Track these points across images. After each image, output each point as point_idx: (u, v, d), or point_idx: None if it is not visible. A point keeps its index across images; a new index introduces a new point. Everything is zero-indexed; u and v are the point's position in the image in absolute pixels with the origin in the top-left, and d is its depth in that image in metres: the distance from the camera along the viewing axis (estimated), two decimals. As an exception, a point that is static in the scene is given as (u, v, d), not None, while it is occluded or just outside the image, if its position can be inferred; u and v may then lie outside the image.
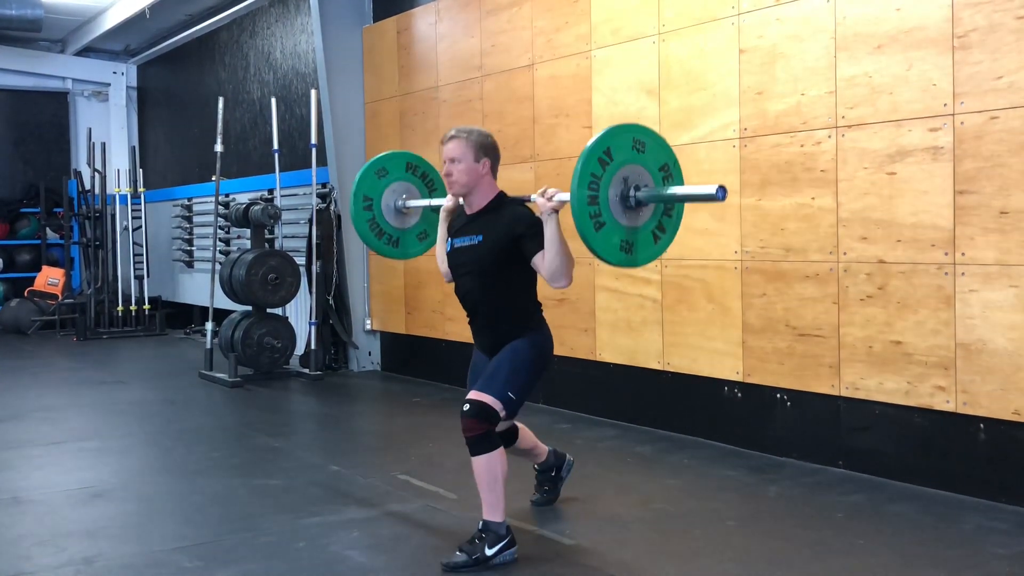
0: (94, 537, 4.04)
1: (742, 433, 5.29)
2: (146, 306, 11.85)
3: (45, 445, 5.79)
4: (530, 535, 3.92)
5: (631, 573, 3.56)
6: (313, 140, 8.24)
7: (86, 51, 13.45)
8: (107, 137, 13.12)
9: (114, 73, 13.94)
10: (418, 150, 7.53)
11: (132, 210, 11.98)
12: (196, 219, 11.94)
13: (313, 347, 8.14)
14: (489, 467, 3.60)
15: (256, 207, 8.27)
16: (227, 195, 10.39)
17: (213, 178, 9.25)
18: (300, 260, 8.56)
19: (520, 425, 4.13)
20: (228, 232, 10.69)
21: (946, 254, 4.32)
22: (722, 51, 5.26)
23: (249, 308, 8.16)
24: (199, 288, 11.37)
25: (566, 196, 3.46)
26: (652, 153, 3.53)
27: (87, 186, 11.97)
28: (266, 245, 8.64)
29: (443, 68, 7.39)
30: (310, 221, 8.35)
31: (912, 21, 4.42)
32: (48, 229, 13.03)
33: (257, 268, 7.99)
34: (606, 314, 6.05)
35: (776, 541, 3.85)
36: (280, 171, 8.66)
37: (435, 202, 4.37)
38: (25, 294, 12.14)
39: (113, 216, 11.89)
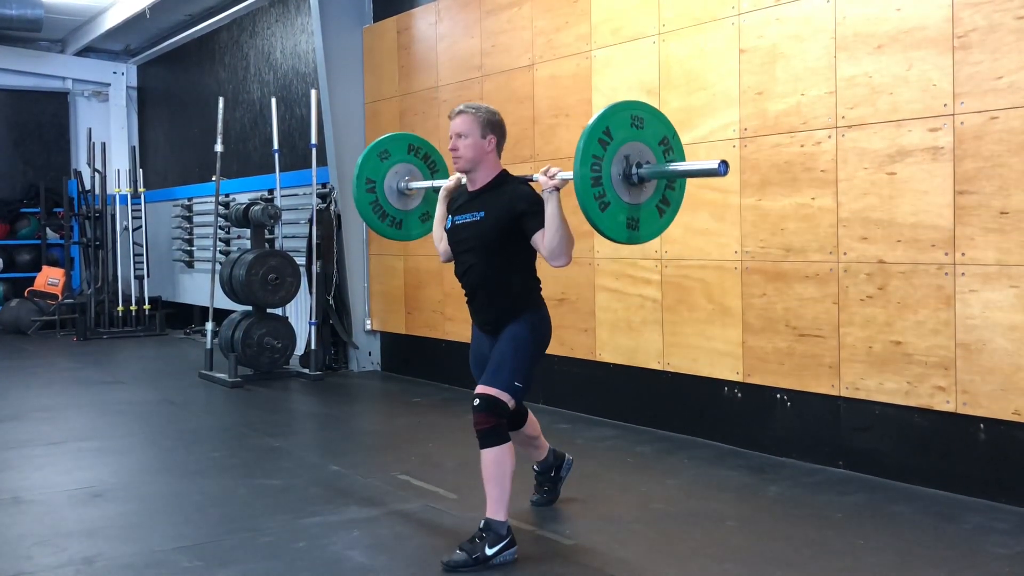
0: (94, 537, 4.04)
1: (742, 433, 5.29)
2: (146, 306, 11.85)
3: (45, 445, 5.79)
4: (530, 535, 3.92)
5: (631, 573, 3.56)
6: (313, 140, 8.24)
7: (86, 51, 13.45)
8: (107, 137, 13.13)
9: (114, 73, 13.95)
10: (418, 150, 7.58)
11: (132, 210, 11.98)
12: (196, 219, 11.94)
13: (313, 347, 8.14)
14: (498, 460, 3.61)
15: (256, 207, 8.27)
16: (227, 195, 10.40)
17: (213, 178, 9.25)
18: (300, 260, 8.56)
19: (528, 410, 4.17)
20: (228, 232, 10.69)
21: (946, 254, 4.32)
22: (722, 51, 5.26)
23: (249, 308, 8.16)
24: (199, 288, 11.37)
25: (568, 175, 3.48)
26: (651, 128, 3.54)
27: (87, 186, 11.97)
28: (266, 245, 8.64)
29: (443, 68, 7.39)
30: (310, 221, 8.35)
31: (912, 21, 4.42)
32: (48, 229, 13.03)
33: (257, 268, 7.99)
34: (606, 314, 6.05)
35: (776, 541, 3.85)
36: (280, 171, 8.66)
37: (437, 183, 4.39)
38: (25, 294, 12.14)
39: (113, 216, 11.89)
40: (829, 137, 4.77)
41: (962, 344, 4.29)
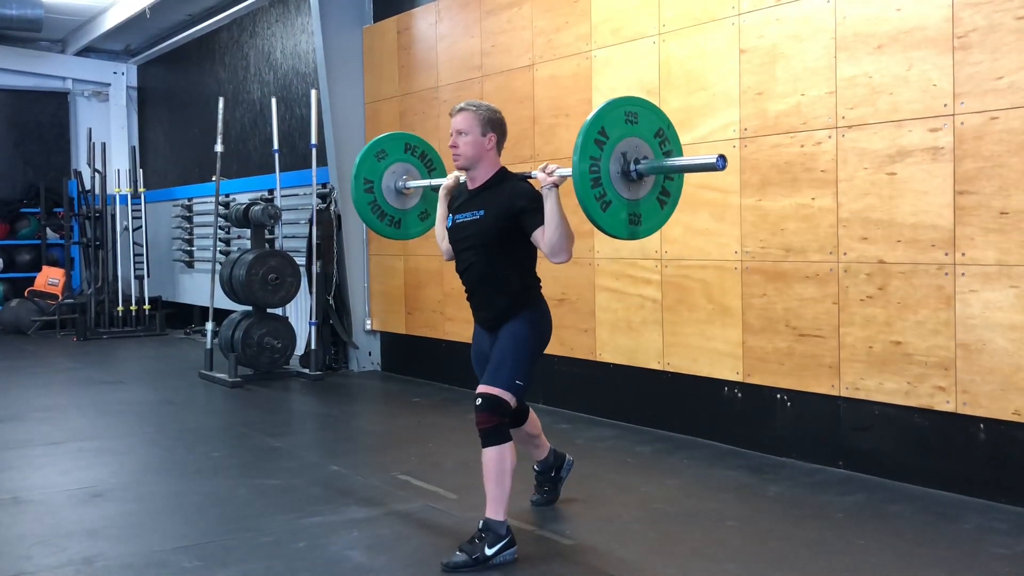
0: (94, 537, 4.04)
1: (742, 433, 5.29)
2: (146, 306, 11.85)
3: (45, 445, 5.79)
4: (530, 535, 3.92)
5: (631, 573, 3.56)
6: (313, 140, 8.24)
7: (86, 51, 13.45)
8: (107, 137, 13.13)
9: (114, 73, 13.95)
10: (418, 150, 7.58)
11: (132, 210, 11.98)
12: (196, 219, 11.94)
13: (313, 347, 8.14)
14: (499, 459, 3.62)
15: (256, 207, 8.27)
16: (227, 195, 10.40)
17: (213, 178, 9.25)
18: (300, 260, 8.56)
19: (530, 408, 4.18)
20: (228, 232, 10.69)
21: (946, 254, 4.32)
22: (722, 51, 5.26)
23: (249, 308, 8.16)
24: (199, 288, 11.37)
25: (567, 171, 3.49)
26: (645, 121, 3.55)
27: (87, 186, 11.97)
28: (266, 245, 8.64)
29: (443, 68, 7.39)
30: (310, 221, 8.35)
31: (912, 21, 4.42)
32: (48, 229, 13.03)
33: (257, 268, 7.99)
34: (606, 314, 6.05)
35: (776, 541, 3.85)
36: (280, 171, 8.66)
37: (435, 182, 4.39)
38: (25, 294, 12.14)
39: (113, 216, 11.89)
40: (829, 137, 4.77)
41: (962, 344, 4.29)
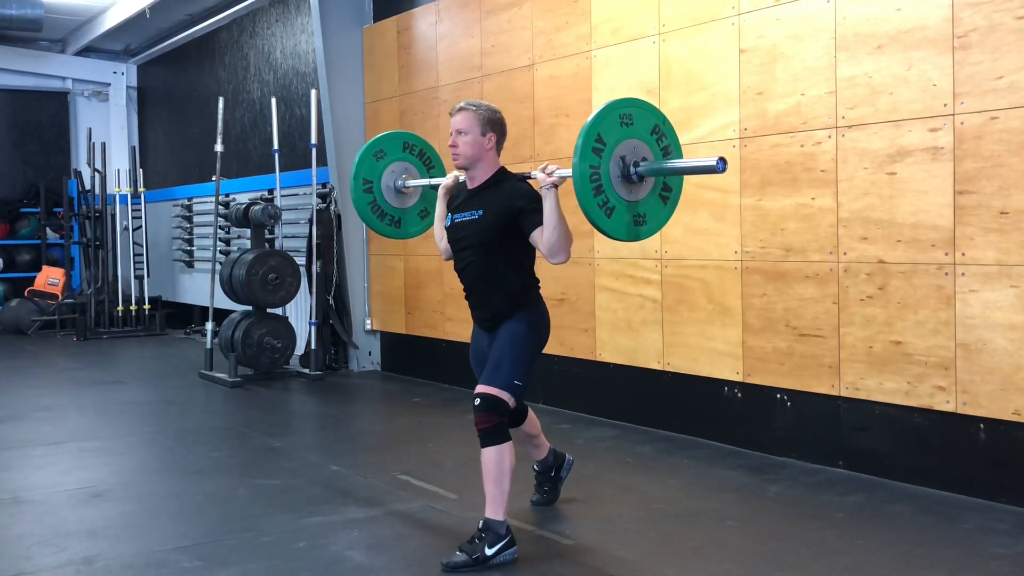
0: (94, 537, 4.04)
1: (742, 433, 5.29)
2: (146, 306, 11.85)
3: (45, 445, 5.79)
4: (530, 535, 3.92)
5: (631, 573, 3.56)
6: (313, 140, 8.24)
7: (86, 51, 13.45)
8: (107, 137, 13.13)
9: (114, 73, 13.95)
10: (418, 150, 7.57)
11: (132, 210, 11.98)
12: (196, 219, 11.94)
13: (313, 347, 8.14)
14: (499, 459, 3.62)
15: (256, 207, 8.27)
16: (227, 195, 10.40)
17: (213, 178, 9.25)
18: (300, 260, 8.57)
19: (528, 408, 4.18)
20: (228, 232, 10.69)
21: (946, 254, 4.32)
22: (722, 51, 5.26)
23: (249, 308, 8.16)
24: (199, 288, 11.37)
25: (566, 172, 3.50)
26: (641, 121, 3.55)
27: (87, 186, 11.98)
28: (266, 245, 8.64)
29: (443, 68, 7.39)
30: (310, 221, 8.35)
31: (912, 21, 4.42)
32: (48, 229, 13.03)
33: (257, 268, 7.99)
34: (606, 314, 6.05)
35: (776, 541, 3.85)
36: (280, 171, 8.66)
37: (434, 181, 4.39)
38: (25, 294, 12.14)
39: (113, 216, 11.89)
40: (829, 137, 4.77)
41: (962, 344, 4.29)
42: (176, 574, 3.60)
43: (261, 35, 10.53)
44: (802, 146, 4.90)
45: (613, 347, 6.02)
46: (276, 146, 8.62)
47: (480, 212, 3.77)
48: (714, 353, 5.38)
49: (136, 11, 10.99)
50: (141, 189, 12.00)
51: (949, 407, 4.35)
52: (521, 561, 3.62)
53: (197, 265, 11.89)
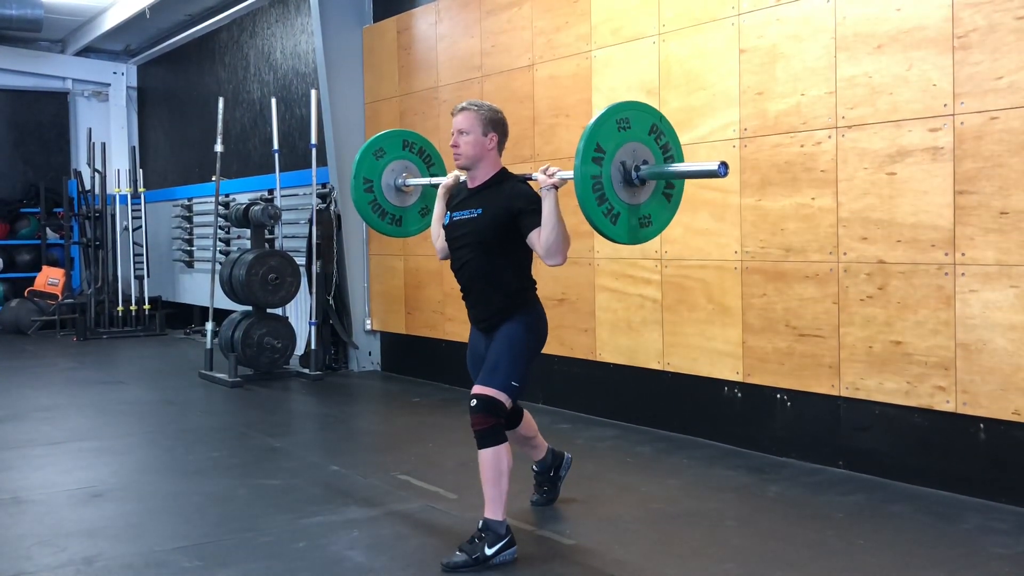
0: (94, 537, 4.04)
1: (742, 433, 5.29)
2: (146, 306, 11.85)
3: (45, 445, 5.79)
4: (530, 535, 3.92)
5: (631, 573, 3.56)
6: (313, 140, 8.24)
7: (86, 51, 13.45)
8: (107, 137, 13.13)
9: (114, 73, 13.95)
10: (418, 150, 7.57)
11: (132, 210, 11.98)
12: (196, 219, 11.94)
13: (313, 347, 8.14)
14: (496, 460, 3.62)
15: (256, 207, 8.27)
16: (227, 195, 10.40)
17: (213, 178, 9.25)
18: (300, 260, 8.57)
19: (524, 410, 4.17)
20: (228, 232, 10.69)
21: (946, 254, 4.32)
22: (722, 51, 5.26)
23: (249, 308, 8.16)
24: (199, 288, 11.37)
25: (567, 174, 3.50)
26: (638, 123, 3.54)
27: (87, 186, 11.97)
28: (266, 245, 8.64)
29: (443, 68, 7.39)
30: (310, 221, 8.35)
31: (912, 21, 4.42)
32: (48, 229, 13.03)
33: (257, 268, 7.99)
34: (606, 314, 6.05)
35: (776, 541, 3.85)
36: (280, 171, 8.66)
37: (435, 180, 4.39)
38: (25, 294, 12.14)
39: (113, 216, 11.89)
40: (829, 137, 4.77)
41: (962, 344, 4.29)
42: (176, 574, 3.60)
43: (261, 35, 10.53)
44: (802, 146, 4.90)
45: (613, 347, 6.02)
46: (276, 146, 8.62)
47: (479, 211, 3.78)
48: (714, 353, 5.38)
49: (136, 11, 10.99)
50: (141, 189, 12.01)
51: (949, 407, 4.35)
52: (521, 561, 3.62)
53: (197, 265, 11.89)
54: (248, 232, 8.64)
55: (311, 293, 8.32)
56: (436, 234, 4.11)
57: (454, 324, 7.32)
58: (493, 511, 3.62)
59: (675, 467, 5.01)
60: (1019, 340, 4.10)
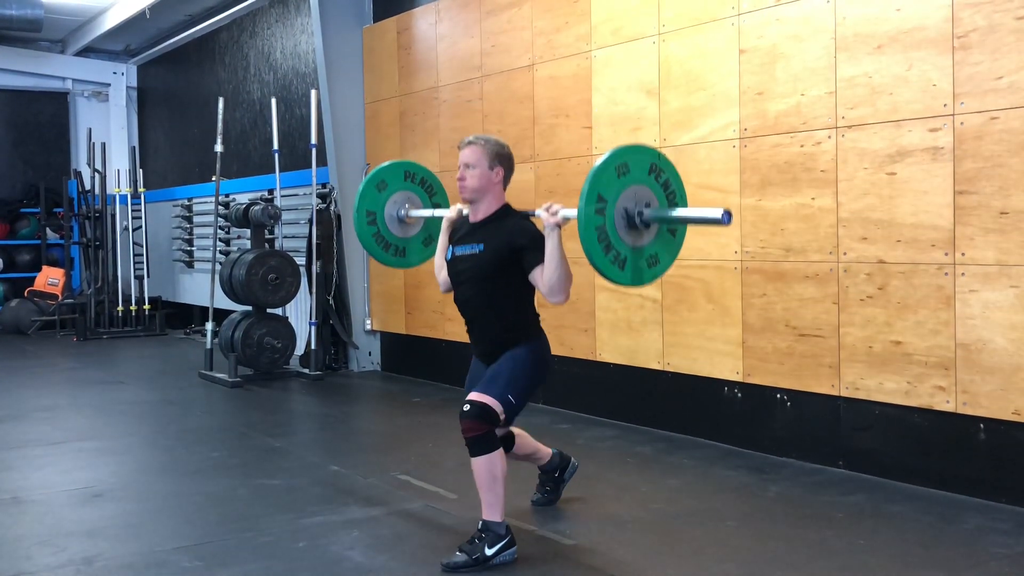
0: (94, 537, 4.04)
1: (742, 433, 5.29)
2: (146, 306, 11.85)
3: (45, 445, 5.79)
4: (530, 535, 3.92)
5: (631, 573, 3.56)
6: (313, 140, 8.24)
7: (86, 51, 13.45)
8: (107, 137, 13.13)
9: (114, 73, 13.95)
10: (418, 150, 7.57)
11: (132, 210, 11.98)
12: (196, 219, 11.94)
13: (313, 347, 8.14)
14: (489, 467, 3.61)
15: (256, 207, 8.27)
16: (227, 195, 10.40)
17: (213, 178, 9.25)
18: (300, 260, 8.57)
19: (517, 431, 4.14)
20: (228, 232, 10.70)
21: (946, 254, 4.32)
22: (722, 51, 5.26)
23: (249, 308, 8.16)
24: (199, 288, 11.37)
25: (571, 212, 3.47)
26: (636, 166, 3.49)
27: (87, 186, 11.97)
28: (266, 245, 8.64)
29: (443, 68, 7.39)
30: (310, 221, 8.35)
31: (912, 21, 4.42)
32: (48, 229, 13.03)
33: (257, 268, 8.00)
34: (606, 314, 6.05)
35: (776, 541, 3.85)
36: (280, 171, 8.66)
37: (438, 213, 4.38)
38: (25, 294, 12.14)
39: (113, 216, 11.89)
40: (829, 137, 4.77)
41: (962, 344, 4.29)
42: (176, 574, 3.60)
43: (261, 35, 10.53)
44: (802, 146, 4.90)
45: (613, 347, 6.02)
46: (276, 146, 8.62)
47: (481, 246, 3.77)
48: (714, 353, 5.38)
49: (136, 11, 11.00)
50: (141, 189, 12.01)
51: (949, 407, 4.35)
52: (521, 561, 3.62)
53: (197, 265, 11.89)
54: (248, 232, 8.64)
55: (311, 293, 8.32)
56: (439, 266, 4.10)
57: (454, 324, 7.32)
58: (491, 514, 3.62)
59: (675, 467, 5.01)
60: (1019, 340, 4.10)
